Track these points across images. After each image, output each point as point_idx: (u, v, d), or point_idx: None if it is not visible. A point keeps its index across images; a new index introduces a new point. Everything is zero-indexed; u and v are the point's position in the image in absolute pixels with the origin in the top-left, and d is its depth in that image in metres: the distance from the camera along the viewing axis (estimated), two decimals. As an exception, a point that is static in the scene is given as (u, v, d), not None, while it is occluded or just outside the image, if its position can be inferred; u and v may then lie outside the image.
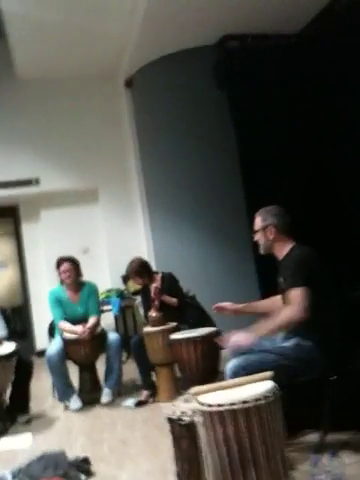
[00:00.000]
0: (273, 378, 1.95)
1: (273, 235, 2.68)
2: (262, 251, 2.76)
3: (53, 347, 4.07)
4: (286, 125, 5.79)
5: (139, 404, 3.82)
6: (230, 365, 2.38)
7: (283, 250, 2.68)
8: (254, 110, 5.80)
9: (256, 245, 2.81)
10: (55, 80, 6.90)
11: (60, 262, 4.31)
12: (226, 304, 2.92)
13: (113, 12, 5.48)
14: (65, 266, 4.27)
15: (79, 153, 6.95)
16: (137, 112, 6.73)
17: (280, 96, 5.82)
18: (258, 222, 2.74)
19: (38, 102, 6.91)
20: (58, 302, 4.27)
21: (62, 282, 4.35)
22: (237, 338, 2.44)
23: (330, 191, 5.62)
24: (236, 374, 2.33)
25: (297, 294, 2.42)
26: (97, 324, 4.25)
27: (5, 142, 6.73)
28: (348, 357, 2.45)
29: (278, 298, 2.81)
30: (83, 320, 4.20)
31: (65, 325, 4.18)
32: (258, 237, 2.74)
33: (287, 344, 2.53)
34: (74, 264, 4.32)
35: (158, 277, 4.33)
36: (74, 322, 4.17)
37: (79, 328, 4.09)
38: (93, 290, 4.42)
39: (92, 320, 4.21)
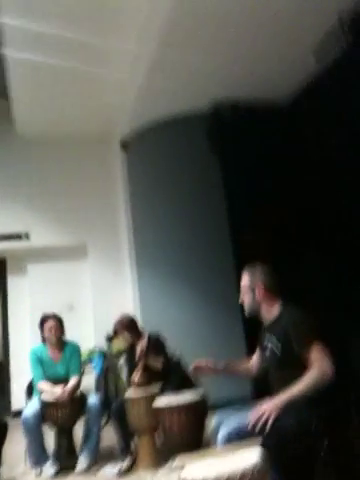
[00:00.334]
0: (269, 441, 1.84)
1: (261, 294, 2.59)
2: (248, 312, 2.66)
3: (30, 409, 3.89)
4: (275, 190, 5.90)
5: (120, 473, 3.60)
6: (223, 432, 2.24)
7: (271, 311, 2.59)
8: (244, 174, 5.93)
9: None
10: (53, 139, 7.06)
11: (45, 319, 4.21)
12: (204, 363, 2.79)
13: (111, 79, 5.72)
14: (50, 323, 4.18)
15: (70, 210, 7.00)
16: (130, 173, 6.84)
17: (270, 161, 5.98)
18: (245, 280, 2.66)
19: (34, 160, 7.03)
20: (39, 361, 4.13)
21: (44, 341, 4.23)
22: (263, 412, 2.28)
23: (323, 257, 5.63)
24: (229, 441, 2.22)
25: (319, 353, 2.32)
26: (77, 386, 4.09)
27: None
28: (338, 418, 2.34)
29: (254, 360, 2.75)
30: (64, 380, 4.04)
31: (44, 386, 4.02)
32: (245, 298, 2.66)
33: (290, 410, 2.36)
34: (58, 321, 4.23)
35: (144, 337, 4.22)
36: (55, 382, 4.02)
37: (58, 389, 3.92)
38: (75, 350, 4.30)
39: (72, 381, 4.06)
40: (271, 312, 2.60)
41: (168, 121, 6.32)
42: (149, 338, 4.20)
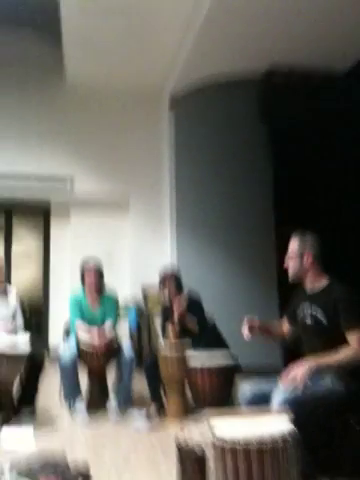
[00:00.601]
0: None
1: (310, 262, 2.60)
2: (291, 278, 2.67)
3: (68, 352, 4.06)
4: (325, 164, 5.74)
5: (149, 423, 3.73)
6: (278, 399, 2.27)
7: (316, 282, 2.61)
8: (295, 146, 5.80)
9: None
10: (103, 91, 7.03)
11: (85, 270, 4.34)
12: (256, 322, 2.76)
13: (166, 31, 5.63)
14: (91, 275, 4.29)
15: (117, 162, 7.04)
16: (177, 133, 6.77)
17: (321, 132, 5.80)
18: (294, 247, 2.65)
19: (83, 108, 7.05)
20: (78, 306, 4.28)
21: (84, 287, 4.36)
22: (295, 374, 2.36)
23: None
24: (253, 402, 2.32)
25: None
26: (112, 332, 4.23)
27: (47, 141, 6.88)
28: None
29: (286, 327, 2.80)
30: (101, 326, 4.20)
31: (81, 325, 4.19)
32: (291, 263, 2.66)
33: (326, 378, 2.43)
34: (99, 273, 4.34)
35: (184, 294, 4.29)
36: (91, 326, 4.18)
37: (94, 331, 4.07)
38: (114, 301, 4.44)
39: (108, 323, 4.22)
40: (317, 282, 2.61)
41: (219, 82, 6.20)
42: (189, 297, 4.27)
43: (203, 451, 1.99)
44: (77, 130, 7.00)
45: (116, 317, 4.44)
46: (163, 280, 4.27)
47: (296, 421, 2.05)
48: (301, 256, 2.62)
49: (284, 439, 1.77)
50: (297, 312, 2.69)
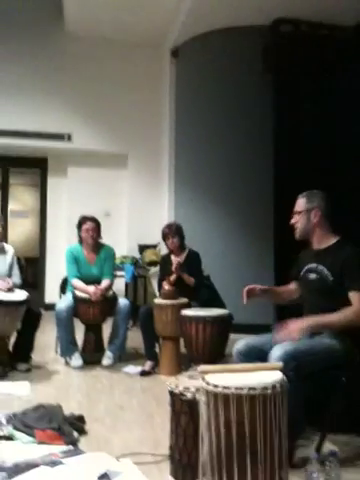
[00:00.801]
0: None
1: (317, 219, 2.54)
2: (298, 235, 2.61)
3: (64, 303, 4.10)
4: (329, 119, 5.63)
5: (143, 374, 3.84)
6: (278, 353, 2.26)
7: (324, 239, 2.56)
8: (298, 99, 5.67)
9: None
10: (102, 40, 6.85)
11: (84, 220, 4.32)
12: (255, 286, 2.70)
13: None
14: (89, 225, 4.28)
15: (115, 116, 6.92)
16: (179, 83, 6.62)
17: (327, 89, 5.67)
18: (302, 203, 2.59)
19: (82, 59, 6.88)
20: (75, 260, 4.29)
21: (81, 241, 4.35)
22: (290, 329, 2.35)
23: None
24: (247, 356, 2.34)
25: None
26: (109, 287, 4.26)
27: (44, 94, 6.74)
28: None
29: (294, 285, 2.74)
30: (96, 282, 4.21)
31: (78, 283, 4.20)
32: (298, 219, 2.59)
33: (324, 337, 2.43)
34: (97, 224, 4.33)
35: (185, 251, 4.30)
36: (87, 282, 4.19)
37: (91, 288, 4.10)
38: (111, 254, 4.44)
39: (105, 282, 4.23)
40: (324, 240, 2.56)
41: (224, 29, 6.00)
42: (188, 254, 4.28)
43: (194, 396, 2.02)
44: (76, 84, 6.84)
45: (113, 269, 4.46)
46: (167, 233, 4.25)
47: (292, 373, 2.09)
48: (308, 212, 2.55)
49: (274, 387, 1.79)
50: (302, 270, 2.64)
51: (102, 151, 7.00)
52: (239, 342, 2.56)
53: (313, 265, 2.57)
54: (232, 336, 3.93)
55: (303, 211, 2.58)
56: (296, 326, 2.35)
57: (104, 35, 6.77)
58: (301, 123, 5.67)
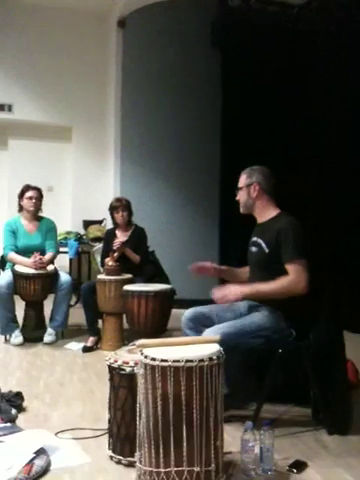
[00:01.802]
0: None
1: (256, 193, 2.58)
2: (242, 209, 2.67)
3: (3, 279, 3.98)
4: (275, 93, 5.66)
5: (85, 350, 3.80)
6: (188, 312, 2.35)
7: (266, 212, 2.60)
8: (245, 74, 5.66)
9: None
10: (47, 8, 6.57)
11: (27, 189, 4.21)
12: (208, 264, 2.75)
13: None
14: (32, 193, 4.18)
15: (59, 87, 6.69)
16: (125, 55, 6.44)
17: (273, 64, 5.68)
18: (243, 179, 2.65)
19: (26, 28, 6.58)
20: (12, 233, 4.17)
21: (21, 210, 4.24)
22: (228, 292, 2.39)
23: (312, 160, 5.51)
24: (193, 321, 2.44)
25: (300, 268, 2.36)
26: (51, 261, 4.18)
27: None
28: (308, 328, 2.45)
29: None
30: (38, 251, 4.11)
31: (15, 256, 4.09)
32: (240, 195, 2.65)
33: (258, 313, 2.49)
34: (40, 194, 4.24)
35: (131, 227, 4.25)
36: (28, 252, 4.09)
37: (28, 261, 4.00)
38: (52, 226, 4.34)
39: (49, 255, 4.16)
40: (265, 213, 2.60)
41: (171, 1, 5.89)
42: (134, 231, 4.23)
43: (133, 370, 2.01)
44: (19, 53, 6.53)
45: (56, 243, 4.38)
46: (117, 206, 4.19)
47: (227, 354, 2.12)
48: (248, 188, 2.60)
49: (211, 359, 1.81)
50: (249, 244, 2.69)
51: (45, 123, 6.76)
52: (188, 310, 2.61)
53: (254, 238, 2.62)
54: (177, 311, 3.97)
55: (244, 186, 2.63)
56: (234, 290, 2.40)
57: (49, 4, 6.49)
58: (249, 100, 5.67)
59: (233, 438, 2.14)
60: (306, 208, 5.28)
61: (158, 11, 6.01)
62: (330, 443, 2.25)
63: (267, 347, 2.40)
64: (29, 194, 4.18)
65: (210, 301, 2.65)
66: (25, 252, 4.11)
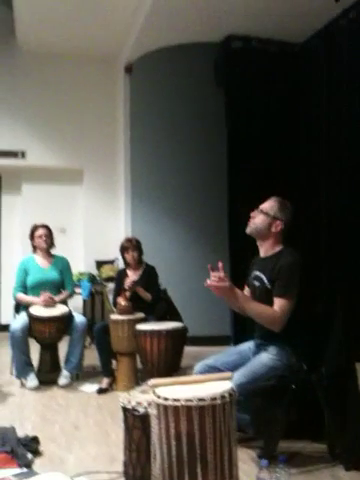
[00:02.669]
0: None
1: (277, 230, 2.57)
2: (250, 231, 2.62)
3: (18, 322, 4.02)
4: (279, 130, 5.80)
5: (100, 391, 3.81)
6: (200, 364, 2.35)
7: (272, 248, 2.60)
8: (250, 112, 5.83)
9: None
10: (55, 55, 6.81)
11: (35, 228, 4.34)
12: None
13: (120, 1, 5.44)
14: (41, 231, 4.31)
15: (70, 132, 6.89)
16: (133, 99, 6.67)
17: (276, 101, 5.86)
18: (273, 207, 2.59)
19: (35, 76, 6.83)
20: (23, 273, 4.27)
21: (35, 250, 4.35)
22: (219, 286, 2.37)
23: (318, 199, 5.59)
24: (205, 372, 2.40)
25: (284, 306, 2.40)
26: (66, 299, 4.27)
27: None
28: (319, 361, 2.46)
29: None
30: (53, 285, 4.21)
31: (23, 297, 4.19)
32: (259, 218, 2.59)
33: (266, 354, 2.50)
34: (49, 231, 4.36)
35: (142, 266, 4.31)
36: (44, 287, 4.17)
37: (37, 299, 4.08)
38: (67, 265, 4.44)
39: (65, 294, 4.26)
40: (271, 248, 2.61)
41: (176, 46, 6.11)
42: (145, 270, 4.29)
43: (146, 410, 2.03)
44: (29, 100, 6.78)
45: (72, 281, 4.49)
46: (127, 246, 4.27)
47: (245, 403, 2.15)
48: (273, 219, 2.57)
49: (223, 397, 1.82)
50: (250, 277, 2.71)
51: (57, 167, 6.95)
52: (198, 364, 2.63)
53: (256, 273, 2.64)
54: (190, 349, 3.97)
55: (270, 215, 2.59)
56: (225, 286, 2.37)
57: (57, 51, 6.74)
58: (254, 134, 5.81)
59: (248, 476, 2.13)
60: (317, 237, 5.35)
61: (163, 55, 6.24)
62: (347, 479, 2.22)
63: (280, 384, 2.40)
64: (39, 233, 4.31)
65: (223, 339, 2.69)
66: (39, 287, 4.18)
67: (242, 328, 2.74)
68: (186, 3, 5.24)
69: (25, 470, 2.37)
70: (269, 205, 2.62)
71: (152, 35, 5.97)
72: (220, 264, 2.42)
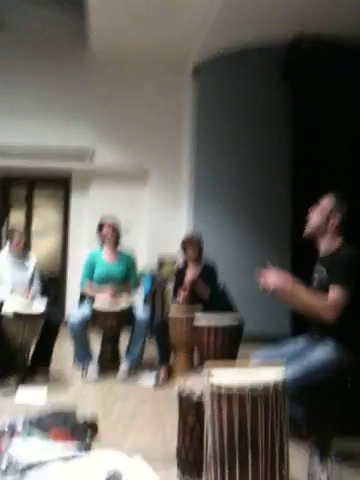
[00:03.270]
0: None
1: (334, 226, 2.59)
2: (308, 231, 2.64)
3: (77, 315, 4.16)
4: (347, 138, 5.67)
5: (157, 384, 3.88)
6: (255, 354, 2.36)
7: (330, 245, 2.60)
8: (317, 116, 5.75)
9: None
10: (124, 58, 6.99)
11: (103, 223, 4.48)
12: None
13: (189, 2, 5.53)
14: (109, 223, 4.45)
15: (137, 133, 7.08)
16: (199, 101, 6.76)
17: (345, 105, 5.73)
18: (330, 204, 2.62)
19: (104, 76, 7.08)
20: (90, 266, 4.40)
21: (102, 244, 4.47)
22: (276, 280, 2.38)
23: None
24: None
25: (339, 295, 2.38)
26: (129, 294, 4.37)
27: (68, 113, 6.96)
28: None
29: None
30: (118, 280, 4.31)
31: (87, 287, 4.32)
32: (316, 216, 2.62)
33: (321, 348, 2.49)
34: (115, 226, 4.49)
35: (201, 264, 4.36)
36: (109, 281, 4.28)
37: (104, 295, 4.18)
38: (133, 261, 4.55)
39: (129, 289, 4.38)
40: (329, 245, 2.61)
41: (243, 50, 6.15)
42: (205, 266, 4.34)
43: (201, 397, 2.07)
44: (98, 101, 7.04)
45: (137, 278, 4.59)
46: (185, 243, 4.34)
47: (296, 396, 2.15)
48: (328, 216, 2.59)
49: (276, 387, 1.84)
50: (313, 276, 2.71)
51: (123, 169, 7.15)
52: (254, 354, 2.64)
53: (318, 267, 2.64)
54: (248, 347, 3.96)
55: (324, 213, 2.61)
56: (277, 281, 2.38)
57: (126, 55, 6.92)
58: (321, 142, 5.72)
59: (300, 468, 2.11)
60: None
61: (230, 59, 6.31)
62: None
63: (335, 380, 2.37)
64: (107, 225, 4.45)
65: (282, 338, 2.69)
66: (105, 281, 4.30)
67: (301, 327, 2.71)
68: (250, 7, 5.26)
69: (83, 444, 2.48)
70: (324, 204, 2.65)
71: (220, 38, 6.04)
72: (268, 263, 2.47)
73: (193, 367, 3.92)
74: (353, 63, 5.84)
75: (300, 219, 2.79)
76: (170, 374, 3.99)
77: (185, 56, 6.89)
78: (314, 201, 2.82)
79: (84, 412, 3.09)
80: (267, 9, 5.36)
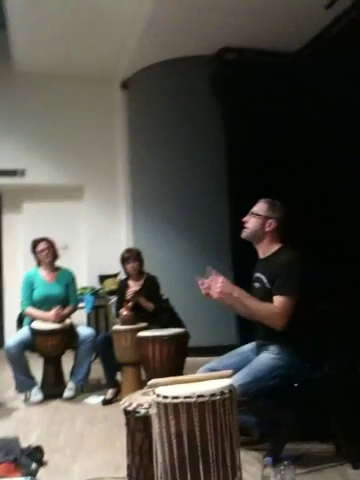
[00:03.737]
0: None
1: (271, 229, 2.56)
2: (246, 235, 2.61)
3: (13, 339, 3.99)
4: (277, 140, 5.82)
5: (105, 403, 3.79)
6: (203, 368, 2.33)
7: (269, 248, 2.59)
8: (247, 122, 5.86)
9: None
10: (52, 75, 6.91)
11: (36, 242, 4.32)
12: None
13: (116, 14, 5.51)
14: (42, 245, 4.28)
15: (69, 149, 6.96)
16: (130, 114, 6.75)
17: (273, 111, 5.88)
18: (263, 208, 2.60)
19: (32, 95, 6.93)
20: (29, 287, 4.22)
21: (39, 263, 4.33)
22: (217, 288, 2.34)
23: (318, 211, 5.60)
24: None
25: (284, 303, 2.36)
26: (71, 313, 4.24)
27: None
28: (323, 361, 2.44)
29: None
30: (59, 301, 4.18)
31: (32, 311, 4.15)
32: (252, 221, 2.59)
33: (268, 353, 2.48)
34: (50, 243, 4.33)
35: (143, 276, 4.31)
36: (48, 302, 4.13)
37: (48, 314, 4.05)
38: (72, 278, 4.41)
39: (69, 308, 4.23)
40: (269, 248, 2.59)
41: (170, 60, 6.20)
42: (146, 279, 4.28)
43: (147, 411, 2.01)
44: (27, 119, 6.86)
45: (77, 295, 4.48)
46: (127, 257, 4.26)
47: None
48: (265, 219, 2.57)
49: (223, 393, 1.80)
50: (252, 280, 2.68)
51: (57, 185, 7.00)
52: (199, 369, 2.61)
53: (256, 274, 2.63)
54: (195, 359, 3.94)
55: (261, 216, 2.59)
56: (224, 287, 2.34)
57: (54, 70, 6.83)
58: (251, 143, 5.83)
59: (251, 475, 2.10)
60: (319, 235, 5.35)
61: (158, 71, 6.32)
62: (356, 478, 2.18)
63: (283, 383, 2.37)
64: (40, 247, 4.28)
65: (229, 349, 2.68)
66: (44, 302, 4.16)
67: (248, 336, 2.71)
68: (180, 18, 5.34)
69: (29, 479, 2.35)
70: (258, 207, 2.64)
71: (147, 51, 6.07)
72: (210, 268, 2.43)
73: (141, 383, 3.84)
74: (275, 71, 6.04)
75: (238, 225, 2.78)
76: (118, 392, 3.88)
77: (113, 70, 6.86)
78: (251, 207, 2.84)
79: (29, 439, 2.96)
80: (192, 25, 5.46)
